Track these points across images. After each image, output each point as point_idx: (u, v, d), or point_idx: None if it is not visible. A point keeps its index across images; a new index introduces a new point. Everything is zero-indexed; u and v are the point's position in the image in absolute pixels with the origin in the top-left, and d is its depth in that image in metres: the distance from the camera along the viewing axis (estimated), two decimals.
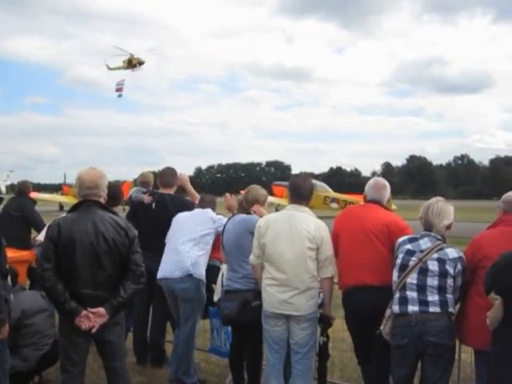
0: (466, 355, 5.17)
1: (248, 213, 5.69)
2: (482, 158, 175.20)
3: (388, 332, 4.51)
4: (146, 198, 6.63)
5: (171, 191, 6.71)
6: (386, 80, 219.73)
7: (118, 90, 60.28)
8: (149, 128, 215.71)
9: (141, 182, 7.42)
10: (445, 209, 4.62)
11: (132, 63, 59.27)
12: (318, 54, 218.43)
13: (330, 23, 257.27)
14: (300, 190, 5.19)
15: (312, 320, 5.03)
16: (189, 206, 6.53)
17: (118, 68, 60.41)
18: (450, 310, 4.40)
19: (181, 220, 6.18)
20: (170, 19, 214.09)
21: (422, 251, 4.45)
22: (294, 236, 4.95)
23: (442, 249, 4.43)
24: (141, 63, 60.25)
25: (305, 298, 4.94)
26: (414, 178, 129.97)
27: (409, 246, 4.54)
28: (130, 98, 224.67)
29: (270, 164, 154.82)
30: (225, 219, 5.99)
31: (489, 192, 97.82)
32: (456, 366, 4.85)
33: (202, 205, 6.36)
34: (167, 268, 5.94)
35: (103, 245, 4.36)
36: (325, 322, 5.16)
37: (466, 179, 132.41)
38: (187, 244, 5.93)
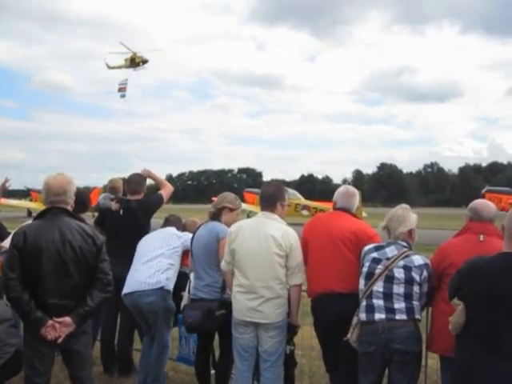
0: (432, 361, 5.22)
1: (219, 220, 5.70)
2: (452, 166, 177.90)
3: (355, 340, 4.53)
4: (114, 205, 6.60)
5: (139, 197, 6.68)
6: (357, 88, 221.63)
7: (120, 90, 57.46)
8: (119, 134, 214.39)
9: (109, 188, 7.36)
10: (404, 215, 4.67)
11: (135, 61, 56.57)
12: (289, 61, 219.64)
13: (302, 32, 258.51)
14: (270, 199, 5.21)
15: (281, 328, 5.03)
16: (158, 203, 6.63)
17: (119, 67, 57.83)
18: (417, 316, 4.43)
19: (145, 242, 6.17)
20: (141, 25, 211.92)
21: (388, 259, 4.48)
22: (262, 243, 4.97)
23: (407, 256, 4.47)
24: (144, 62, 57.31)
25: (274, 306, 4.94)
26: (385, 186, 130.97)
27: (375, 254, 4.57)
28: (100, 104, 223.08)
29: (241, 171, 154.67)
30: (190, 235, 6.01)
31: (458, 200, 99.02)
32: (423, 371, 4.88)
33: (166, 224, 6.41)
34: (132, 283, 5.87)
35: (70, 253, 4.31)
36: (291, 330, 5.16)
37: (436, 187, 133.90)
38: (153, 260, 5.89)
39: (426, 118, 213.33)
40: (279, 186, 5.47)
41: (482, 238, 4.43)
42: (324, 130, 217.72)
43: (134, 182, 6.76)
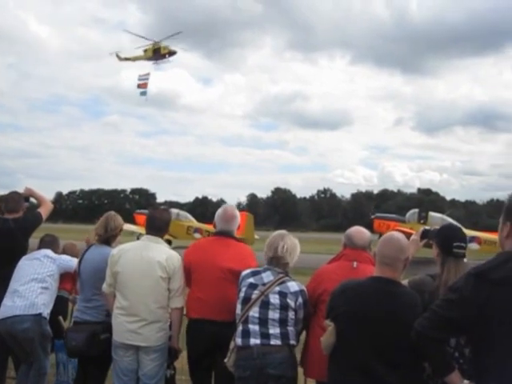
0: None
1: (110, 244, 5.61)
2: (344, 192, 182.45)
3: (232, 364, 4.53)
4: None
5: (17, 216, 6.43)
6: (250, 113, 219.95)
7: (140, 86, 49.04)
8: (5, 148, 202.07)
9: None
10: (296, 244, 4.78)
11: (160, 53, 48.23)
12: (183, 82, 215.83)
13: (195, 53, 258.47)
14: (155, 223, 5.27)
15: (161, 351, 5.04)
16: (37, 222, 6.45)
17: (135, 59, 49.70)
18: (292, 342, 4.47)
19: (21, 266, 5.99)
20: (31, 37, 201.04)
21: (264, 284, 4.52)
22: (145, 266, 4.98)
23: (283, 282, 4.53)
24: (172, 53, 49.05)
25: (154, 329, 4.95)
26: (278, 210, 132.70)
27: (251, 280, 4.60)
28: None
29: (134, 191, 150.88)
30: (68, 257, 5.99)
31: (350, 225, 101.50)
32: None
33: (41, 246, 6.27)
34: (5, 309, 5.68)
35: None
36: (171, 354, 5.14)
37: (329, 212, 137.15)
38: (26, 284, 5.76)
39: (318, 144, 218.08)
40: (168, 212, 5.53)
41: (355, 264, 4.59)
42: (219, 153, 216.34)
43: (12, 200, 6.51)
